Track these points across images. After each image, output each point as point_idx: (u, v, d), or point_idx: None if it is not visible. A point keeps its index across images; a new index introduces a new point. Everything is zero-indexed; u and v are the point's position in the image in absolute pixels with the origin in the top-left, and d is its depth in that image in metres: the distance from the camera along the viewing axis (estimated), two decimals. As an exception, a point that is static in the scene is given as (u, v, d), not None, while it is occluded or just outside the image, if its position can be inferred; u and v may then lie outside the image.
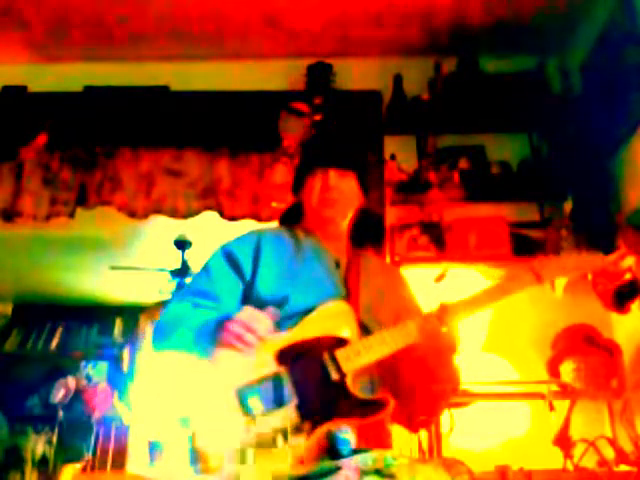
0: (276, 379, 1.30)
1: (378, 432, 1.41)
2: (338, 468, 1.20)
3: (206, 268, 1.55)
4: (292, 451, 1.24)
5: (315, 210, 1.57)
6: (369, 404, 1.33)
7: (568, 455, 2.11)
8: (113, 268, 4.85)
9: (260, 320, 1.31)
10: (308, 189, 1.58)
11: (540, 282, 1.43)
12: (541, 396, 2.24)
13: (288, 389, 1.30)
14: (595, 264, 1.54)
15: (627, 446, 2.11)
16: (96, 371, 5.63)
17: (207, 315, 1.41)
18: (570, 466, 2.09)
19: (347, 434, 1.25)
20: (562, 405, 2.22)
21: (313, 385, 1.31)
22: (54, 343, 5.64)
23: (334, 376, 1.32)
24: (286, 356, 1.33)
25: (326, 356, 1.34)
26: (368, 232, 1.70)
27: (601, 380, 2.24)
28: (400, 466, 1.20)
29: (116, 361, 5.65)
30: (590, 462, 2.09)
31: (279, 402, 1.29)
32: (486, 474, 2.00)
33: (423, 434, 2.18)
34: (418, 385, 1.44)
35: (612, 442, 2.14)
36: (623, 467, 2.06)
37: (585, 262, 1.51)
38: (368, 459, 1.22)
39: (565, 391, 2.26)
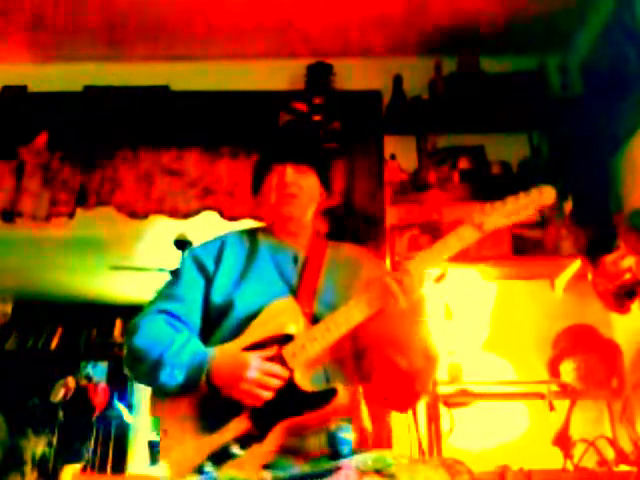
0: None
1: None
2: (338, 468, 1.20)
3: (177, 272, 1.58)
4: (250, 459, 1.24)
5: (274, 207, 1.55)
6: (318, 396, 1.31)
7: (568, 455, 2.11)
8: (113, 268, 4.85)
9: (271, 372, 1.30)
10: (266, 187, 1.56)
11: (483, 232, 1.37)
12: (541, 396, 2.24)
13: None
14: (543, 199, 1.40)
15: (627, 446, 2.11)
16: (96, 371, 5.64)
17: (190, 345, 1.38)
18: (570, 466, 2.09)
19: (347, 434, 1.26)
20: (562, 405, 2.22)
21: None
22: (54, 343, 5.64)
23: None
24: None
25: (272, 355, 1.33)
26: (349, 227, 1.69)
27: (601, 380, 2.24)
28: (400, 466, 1.20)
29: (116, 361, 5.65)
30: (590, 462, 2.09)
31: (233, 412, 1.29)
32: (486, 474, 2.00)
33: (423, 434, 2.18)
34: (383, 360, 1.40)
35: (612, 442, 2.14)
36: (623, 467, 2.06)
37: (529, 201, 1.40)
38: (368, 459, 1.22)
39: (565, 391, 2.26)
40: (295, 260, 1.54)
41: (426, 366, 1.44)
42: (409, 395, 1.47)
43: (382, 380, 1.43)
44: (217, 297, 1.47)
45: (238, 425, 1.28)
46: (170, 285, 1.56)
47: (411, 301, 1.32)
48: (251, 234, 1.63)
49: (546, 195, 1.41)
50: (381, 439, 2.19)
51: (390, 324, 1.37)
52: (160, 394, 1.40)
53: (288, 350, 1.33)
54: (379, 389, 1.46)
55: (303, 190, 1.54)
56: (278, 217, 1.57)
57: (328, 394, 1.30)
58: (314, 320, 1.40)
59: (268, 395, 1.29)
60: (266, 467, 1.24)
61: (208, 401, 1.32)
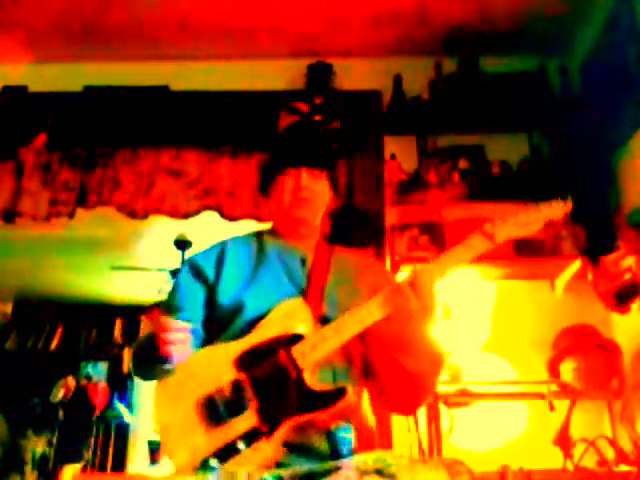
0: (235, 386, 1.32)
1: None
2: (338, 468, 1.20)
3: (175, 282, 1.59)
4: (255, 455, 1.25)
5: (286, 210, 1.55)
6: (327, 395, 1.31)
7: (568, 455, 2.12)
8: (113, 268, 4.86)
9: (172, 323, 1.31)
10: (279, 189, 1.56)
11: (494, 243, 1.38)
12: (541, 396, 2.24)
13: (248, 394, 1.31)
14: (552, 214, 1.42)
15: (627, 446, 2.12)
16: (96, 371, 5.64)
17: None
18: (570, 466, 2.10)
19: (347, 434, 1.26)
20: (562, 405, 2.22)
21: (272, 386, 1.31)
22: (54, 343, 5.64)
23: (292, 374, 1.32)
24: (244, 362, 1.34)
25: (283, 355, 1.34)
26: (353, 230, 1.70)
27: (601, 380, 2.24)
28: (400, 466, 1.20)
29: (116, 361, 5.65)
30: (590, 462, 2.09)
31: (239, 409, 1.30)
32: (486, 474, 2.00)
33: (423, 434, 2.18)
34: (390, 362, 1.41)
35: (612, 442, 2.14)
36: (623, 467, 2.07)
37: (539, 215, 1.41)
38: (368, 459, 1.22)
39: (565, 391, 2.26)
40: (303, 262, 1.55)
41: (432, 369, 1.45)
42: (413, 398, 1.48)
43: (388, 381, 1.44)
44: (224, 299, 1.48)
45: (245, 421, 1.28)
46: (170, 296, 1.57)
47: (423, 304, 1.33)
48: (258, 236, 1.64)
49: (556, 209, 1.43)
50: (381, 439, 2.19)
51: (399, 326, 1.37)
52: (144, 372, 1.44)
53: (298, 350, 1.34)
54: (384, 391, 1.46)
55: (316, 194, 1.55)
56: (290, 219, 1.57)
57: (338, 393, 1.31)
58: (323, 321, 1.41)
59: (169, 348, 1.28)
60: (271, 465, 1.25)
61: (212, 397, 1.32)
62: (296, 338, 1.35)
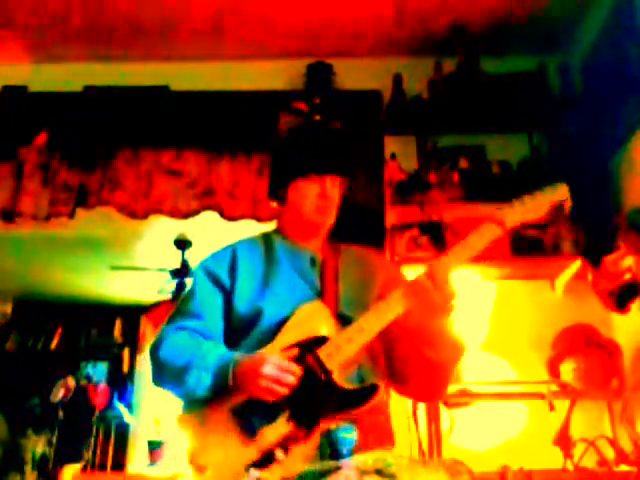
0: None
1: (380, 431, 1.41)
2: (338, 468, 1.20)
3: (191, 288, 1.57)
4: (294, 461, 1.25)
5: (306, 216, 1.55)
6: (359, 393, 1.33)
7: (568, 455, 2.11)
8: (113, 268, 4.86)
9: (287, 368, 1.31)
10: (300, 194, 1.55)
11: (504, 229, 1.41)
12: (541, 396, 2.24)
13: (279, 401, 1.30)
14: (557, 196, 1.45)
15: (627, 446, 2.12)
16: (96, 371, 5.64)
17: (216, 349, 1.40)
18: (570, 466, 2.10)
19: (347, 434, 1.26)
20: (562, 405, 2.22)
21: (302, 390, 1.31)
22: (54, 343, 5.65)
23: (320, 376, 1.32)
24: None
25: (309, 358, 1.34)
26: (353, 230, 1.70)
27: (601, 380, 2.24)
28: (400, 466, 1.20)
29: (116, 361, 5.65)
30: (590, 462, 2.09)
31: (271, 416, 1.30)
32: (486, 474, 2.00)
33: (423, 434, 2.18)
34: (414, 355, 1.44)
35: (612, 442, 2.14)
36: (623, 467, 2.06)
37: (544, 199, 1.45)
38: (368, 459, 1.22)
39: (565, 391, 2.26)
40: (313, 262, 1.55)
41: (453, 357, 1.49)
42: (437, 386, 1.52)
43: (411, 372, 1.46)
44: (242, 307, 1.47)
45: (279, 428, 1.28)
46: (186, 301, 1.54)
47: (443, 295, 1.35)
48: (265, 238, 1.63)
49: (560, 191, 1.46)
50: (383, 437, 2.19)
51: (420, 318, 1.39)
52: (191, 403, 1.40)
53: (324, 352, 1.34)
54: (408, 381, 1.49)
55: (334, 201, 1.56)
56: (308, 225, 1.57)
57: (370, 390, 1.32)
58: (340, 319, 1.42)
59: (284, 391, 1.29)
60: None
61: (242, 407, 1.32)
62: (320, 340, 1.36)
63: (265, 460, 1.26)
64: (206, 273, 1.54)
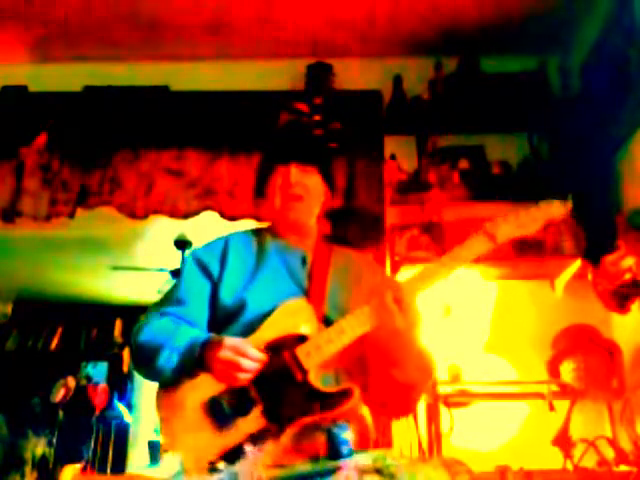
0: (240, 387, 1.30)
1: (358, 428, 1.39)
2: (338, 468, 1.20)
3: (180, 276, 1.56)
4: (263, 456, 1.23)
5: (279, 210, 1.53)
6: (333, 396, 1.31)
7: (568, 455, 2.11)
8: (113, 268, 4.86)
9: (245, 353, 1.29)
10: (270, 189, 1.54)
11: (495, 243, 1.37)
12: (541, 396, 2.24)
13: (253, 395, 1.30)
14: (552, 213, 1.40)
15: (627, 446, 2.12)
16: (96, 371, 5.64)
17: (191, 332, 1.39)
18: (570, 466, 2.10)
19: (347, 434, 1.26)
20: (562, 405, 2.22)
21: (278, 386, 1.31)
22: (54, 343, 5.65)
23: (297, 374, 1.31)
24: None
25: (287, 355, 1.33)
26: (353, 230, 1.68)
27: (601, 380, 2.24)
28: (400, 466, 1.20)
29: (116, 361, 5.65)
30: (590, 462, 2.09)
31: (245, 409, 1.29)
32: (486, 474, 2.00)
33: (423, 434, 2.18)
34: (380, 371, 1.41)
35: (612, 442, 2.14)
36: (623, 467, 2.06)
37: (539, 215, 1.40)
38: (368, 459, 1.22)
39: (565, 391, 2.26)
40: (303, 261, 1.54)
41: (420, 378, 1.46)
42: (404, 405, 1.50)
43: (379, 389, 1.43)
44: (227, 297, 1.46)
45: (252, 422, 1.28)
46: (173, 289, 1.54)
47: (408, 320, 1.32)
48: (258, 234, 1.62)
49: (556, 209, 1.42)
50: (381, 439, 2.19)
51: (387, 339, 1.37)
52: (163, 385, 1.40)
53: (303, 350, 1.33)
54: (377, 397, 1.46)
55: (308, 190, 1.53)
56: (284, 220, 1.56)
57: (344, 394, 1.31)
58: (325, 322, 1.40)
59: (243, 377, 1.28)
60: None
61: (218, 396, 1.32)
62: (300, 339, 1.35)
63: (235, 453, 1.24)
64: (196, 262, 1.54)
